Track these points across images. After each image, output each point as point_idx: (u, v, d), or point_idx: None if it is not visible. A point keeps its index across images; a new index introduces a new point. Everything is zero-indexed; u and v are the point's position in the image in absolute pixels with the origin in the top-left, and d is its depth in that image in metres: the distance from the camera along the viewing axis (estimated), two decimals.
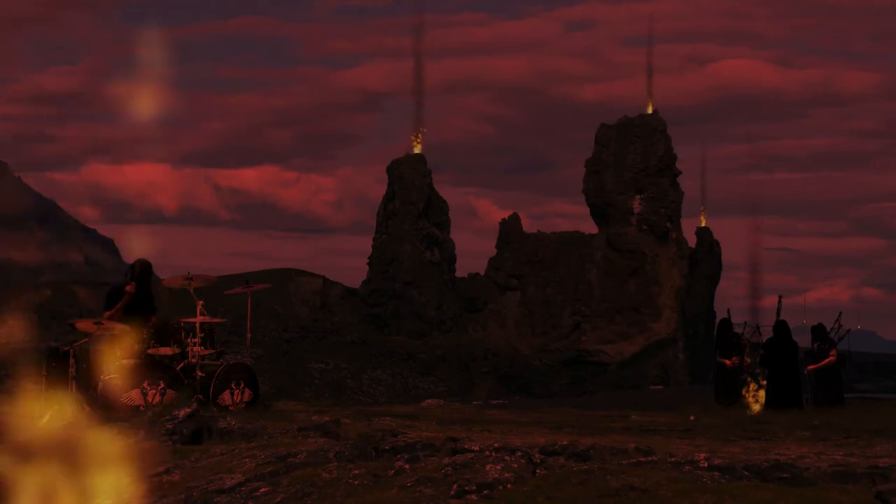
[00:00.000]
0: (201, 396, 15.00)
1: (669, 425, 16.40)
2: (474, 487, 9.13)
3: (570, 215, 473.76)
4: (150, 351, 15.35)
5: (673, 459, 9.65)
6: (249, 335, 18.85)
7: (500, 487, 9.15)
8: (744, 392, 24.11)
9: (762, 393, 23.47)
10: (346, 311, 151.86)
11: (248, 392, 15.45)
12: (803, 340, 23.98)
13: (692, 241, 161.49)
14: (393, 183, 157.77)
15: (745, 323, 26.13)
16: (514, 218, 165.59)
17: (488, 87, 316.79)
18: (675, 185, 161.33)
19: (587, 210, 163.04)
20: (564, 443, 10.30)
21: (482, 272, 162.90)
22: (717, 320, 28.38)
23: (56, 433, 12.10)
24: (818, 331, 23.79)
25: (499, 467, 9.51)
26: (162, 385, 15.03)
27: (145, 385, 14.96)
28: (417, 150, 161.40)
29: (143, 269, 16.37)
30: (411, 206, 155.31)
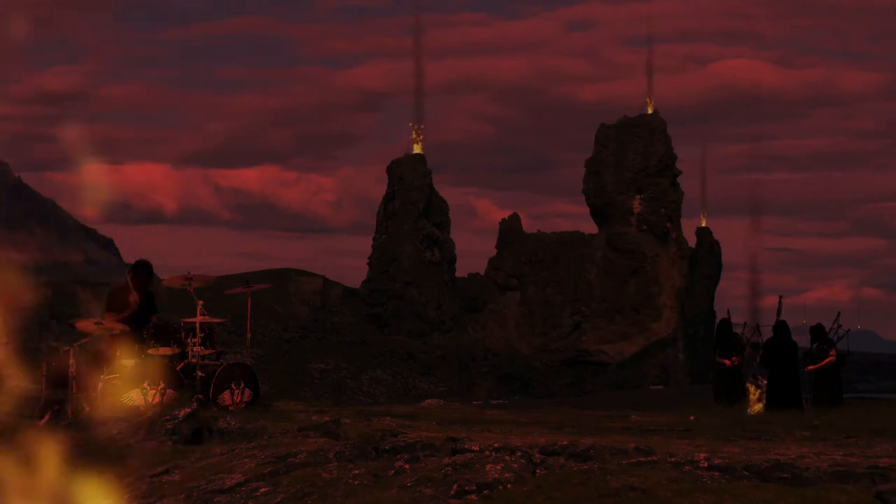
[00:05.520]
0: (201, 396, 14.99)
1: (669, 425, 16.38)
2: (474, 487, 9.13)
3: (570, 215, 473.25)
4: (150, 351, 15.35)
5: (673, 459, 9.65)
6: (249, 335, 18.88)
7: (500, 487, 9.15)
8: (749, 393, 24.08)
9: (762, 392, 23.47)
10: (346, 311, 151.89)
11: (248, 392, 15.44)
12: (803, 340, 23.98)
13: (692, 241, 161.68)
14: (393, 183, 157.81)
15: (745, 323, 26.15)
16: (514, 218, 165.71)
17: (488, 87, 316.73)
18: (675, 185, 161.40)
19: (587, 210, 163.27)
20: (564, 443, 10.30)
21: (482, 272, 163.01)
22: (717, 320, 28.38)
23: (57, 433, 12.10)
24: (817, 331, 23.79)
25: (499, 467, 9.51)
26: (162, 385, 15.02)
27: (145, 385, 14.95)
28: (417, 150, 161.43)
29: (142, 270, 16.35)
30: (411, 206, 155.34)
